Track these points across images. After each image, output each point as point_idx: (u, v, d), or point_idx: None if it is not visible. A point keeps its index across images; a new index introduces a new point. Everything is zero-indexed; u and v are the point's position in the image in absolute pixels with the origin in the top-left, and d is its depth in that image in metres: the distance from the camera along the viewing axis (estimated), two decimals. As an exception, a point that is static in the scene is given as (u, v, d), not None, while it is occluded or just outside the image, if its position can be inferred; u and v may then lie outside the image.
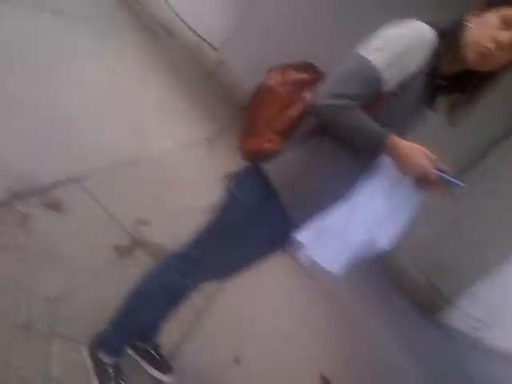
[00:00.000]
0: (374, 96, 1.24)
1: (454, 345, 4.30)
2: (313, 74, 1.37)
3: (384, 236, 1.37)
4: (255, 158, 1.37)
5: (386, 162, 1.29)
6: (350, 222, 1.31)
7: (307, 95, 1.32)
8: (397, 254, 4.26)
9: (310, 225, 1.31)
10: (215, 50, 5.51)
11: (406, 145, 1.23)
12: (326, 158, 1.31)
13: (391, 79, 1.22)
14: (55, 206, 2.14)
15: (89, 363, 1.63)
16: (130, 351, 1.81)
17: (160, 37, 5.49)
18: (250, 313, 2.75)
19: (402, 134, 1.28)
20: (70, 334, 1.69)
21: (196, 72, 5.44)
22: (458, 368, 3.94)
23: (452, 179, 1.24)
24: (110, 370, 1.62)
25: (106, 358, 1.63)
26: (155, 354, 1.88)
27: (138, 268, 2.19)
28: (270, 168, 1.32)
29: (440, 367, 3.78)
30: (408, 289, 4.52)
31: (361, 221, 1.32)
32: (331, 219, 1.30)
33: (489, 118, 3.48)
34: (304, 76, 1.36)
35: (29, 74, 2.84)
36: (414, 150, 1.23)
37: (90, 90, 3.27)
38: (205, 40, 5.52)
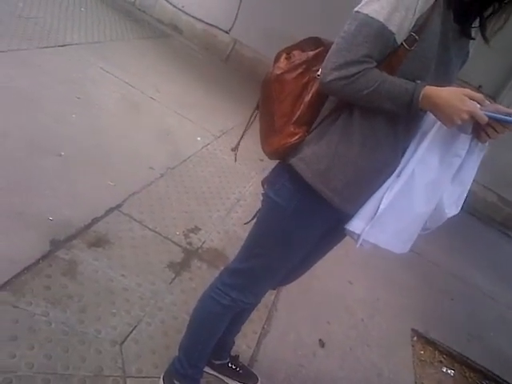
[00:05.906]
0: (391, 49, 1.07)
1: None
2: (319, 48, 1.20)
3: (451, 200, 1.22)
4: (282, 156, 1.25)
5: (430, 118, 1.11)
6: (407, 197, 1.16)
7: (318, 73, 1.15)
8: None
9: (361, 212, 1.19)
10: (227, 32, 5.36)
11: (442, 92, 1.05)
12: (359, 136, 1.15)
13: (400, 27, 1.04)
14: (100, 242, 2.09)
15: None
16: (209, 371, 1.76)
17: (170, 36, 5.39)
18: (324, 295, 2.64)
19: (442, 82, 1.09)
20: (144, 371, 1.66)
21: (212, 61, 5.31)
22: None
23: (507, 117, 1.02)
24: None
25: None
26: (235, 367, 1.81)
27: (199, 279, 2.16)
28: (300, 164, 1.19)
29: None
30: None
31: (419, 192, 1.16)
32: (385, 199, 1.16)
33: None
34: (310, 54, 1.20)
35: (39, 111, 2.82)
36: (453, 94, 1.04)
37: (109, 113, 3.22)
38: (215, 26, 5.39)
